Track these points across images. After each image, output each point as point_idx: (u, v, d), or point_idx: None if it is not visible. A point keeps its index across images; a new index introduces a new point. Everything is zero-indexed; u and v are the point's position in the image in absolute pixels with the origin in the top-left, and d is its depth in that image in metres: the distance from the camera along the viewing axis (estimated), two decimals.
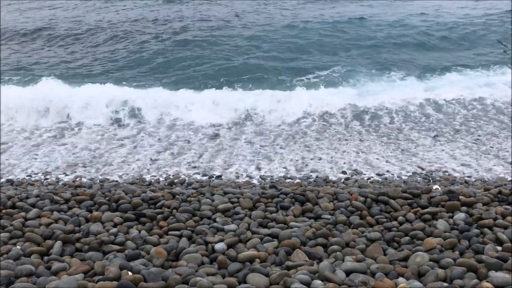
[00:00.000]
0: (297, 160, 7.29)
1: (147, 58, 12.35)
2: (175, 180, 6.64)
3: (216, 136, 8.47)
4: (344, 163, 7.19)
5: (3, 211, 4.83)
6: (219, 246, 4.13)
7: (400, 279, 3.50)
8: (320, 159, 7.27)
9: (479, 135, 7.95)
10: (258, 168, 7.03)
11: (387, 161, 7.15)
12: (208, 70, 11.57)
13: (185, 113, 9.27)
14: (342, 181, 6.56)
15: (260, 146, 7.85)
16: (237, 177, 6.80)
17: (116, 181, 6.60)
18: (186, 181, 6.65)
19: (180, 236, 4.39)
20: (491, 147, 7.43)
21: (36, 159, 7.36)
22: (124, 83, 10.66)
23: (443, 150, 7.46)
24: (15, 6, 18.22)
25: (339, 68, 11.47)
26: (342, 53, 12.72)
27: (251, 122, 9.06)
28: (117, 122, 9.11)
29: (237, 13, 16.60)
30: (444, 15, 16.43)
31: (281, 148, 7.80)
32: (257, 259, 3.94)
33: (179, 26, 15.16)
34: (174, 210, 4.86)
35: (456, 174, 6.66)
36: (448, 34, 14.10)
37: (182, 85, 10.54)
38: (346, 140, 8.03)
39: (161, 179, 6.81)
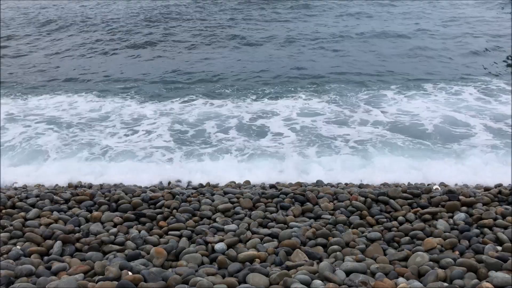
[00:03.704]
0: None
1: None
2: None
3: None
4: None
5: (3, 211, 4.83)
6: (219, 246, 4.13)
7: (400, 279, 3.50)
8: None
9: None
10: None
11: None
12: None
13: None
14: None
15: None
16: None
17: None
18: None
19: (180, 236, 4.39)
20: None
21: None
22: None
23: None
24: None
25: None
26: None
27: None
28: None
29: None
30: None
31: None
32: (257, 259, 3.94)
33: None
34: (174, 210, 4.86)
35: None
36: None
37: None
38: None
39: None
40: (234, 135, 7.76)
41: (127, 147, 7.35)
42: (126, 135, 7.85)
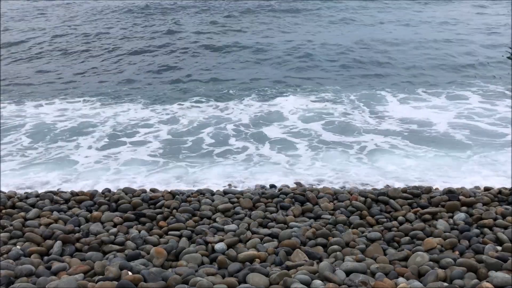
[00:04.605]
0: None
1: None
2: None
3: None
4: None
5: (3, 211, 4.83)
6: (219, 246, 4.13)
7: (400, 279, 3.50)
8: None
9: None
10: None
11: None
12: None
13: None
14: None
15: None
16: None
17: None
18: None
19: (180, 236, 4.39)
20: None
21: None
22: None
23: None
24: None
25: None
26: None
27: None
28: None
29: None
30: None
31: None
32: (257, 259, 3.94)
33: None
34: (174, 210, 4.86)
35: None
36: None
37: None
38: None
39: None
40: (234, 142, 7.54)
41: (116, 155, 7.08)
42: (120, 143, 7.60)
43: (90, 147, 7.45)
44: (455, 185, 5.63)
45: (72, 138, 7.82)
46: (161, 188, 5.75)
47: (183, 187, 5.88)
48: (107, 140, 7.71)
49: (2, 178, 6.23)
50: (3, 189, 5.66)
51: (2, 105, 9.47)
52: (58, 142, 7.66)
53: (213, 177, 6.21)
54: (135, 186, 5.81)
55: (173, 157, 7.01)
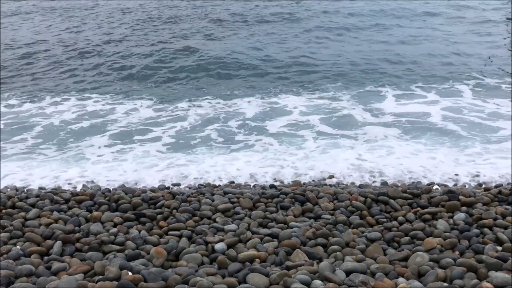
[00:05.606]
0: None
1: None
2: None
3: None
4: None
5: (3, 211, 4.83)
6: (219, 246, 4.13)
7: (400, 279, 3.50)
8: None
9: None
10: None
11: None
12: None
13: None
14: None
15: None
16: None
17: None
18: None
19: (180, 236, 4.39)
20: None
21: None
22: None
23: None
24: None
25: None
26: None
27: None
28: None
29: None
30: None
31: None
32: (257, 259, 3.94)
33: None
34: (174, 210, 4.86)
35: None
36: None
37: None
38: None
39: None
40: (241, 138, 7.70)
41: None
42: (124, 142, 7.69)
43: (100, 145, 7.60)
44: (453, 178, 5.67)
45: (82, 136, 7.95)
46: (168, 184, 6.00)
47: (189, 182, 6.09)
48: (117, 138, 7.85)
49: (12, 176, 6.34)
50: (9, 187, 5.69)
51: (15, 102, 9.63)
52: (69, 140, 7.79)
53: (216, 176, 6.35)
54: (143, 183, 6.06)
55: (181, 154, 7.19)
